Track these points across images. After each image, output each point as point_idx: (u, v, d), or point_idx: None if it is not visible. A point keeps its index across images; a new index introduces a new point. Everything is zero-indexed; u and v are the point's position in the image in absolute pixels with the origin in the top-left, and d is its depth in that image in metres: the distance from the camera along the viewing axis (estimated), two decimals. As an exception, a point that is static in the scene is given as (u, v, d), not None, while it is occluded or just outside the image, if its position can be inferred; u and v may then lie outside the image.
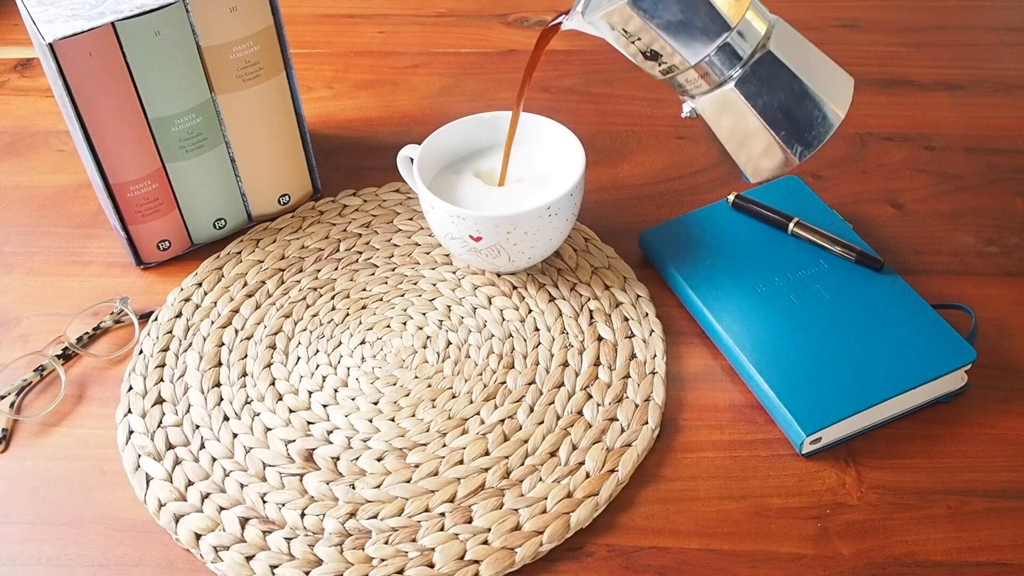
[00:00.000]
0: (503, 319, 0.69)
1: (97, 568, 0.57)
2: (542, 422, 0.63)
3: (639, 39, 0.57)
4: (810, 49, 0.60)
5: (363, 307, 0.71)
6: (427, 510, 0.59)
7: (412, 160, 0.71)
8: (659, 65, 0.58)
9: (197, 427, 0.64)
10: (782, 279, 0.68)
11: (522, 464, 0.61)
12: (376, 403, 0.65)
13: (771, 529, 0.58)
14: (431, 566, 0.56)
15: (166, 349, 0.69)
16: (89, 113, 0.66)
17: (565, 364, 0.66)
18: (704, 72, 0.58)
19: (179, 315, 0.71)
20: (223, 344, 0.69)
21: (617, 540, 0.58)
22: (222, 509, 0.59)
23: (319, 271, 0.73)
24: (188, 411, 0.65)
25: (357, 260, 0.74)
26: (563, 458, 0.61)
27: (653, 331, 0.68)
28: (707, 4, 0.56)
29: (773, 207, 0.72)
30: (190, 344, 0.69)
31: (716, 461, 0.61)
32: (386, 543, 0.57)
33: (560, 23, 0.63)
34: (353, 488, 0.60)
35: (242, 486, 0.60)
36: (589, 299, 0.70)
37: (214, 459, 0.62)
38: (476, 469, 0.60)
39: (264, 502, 0.60)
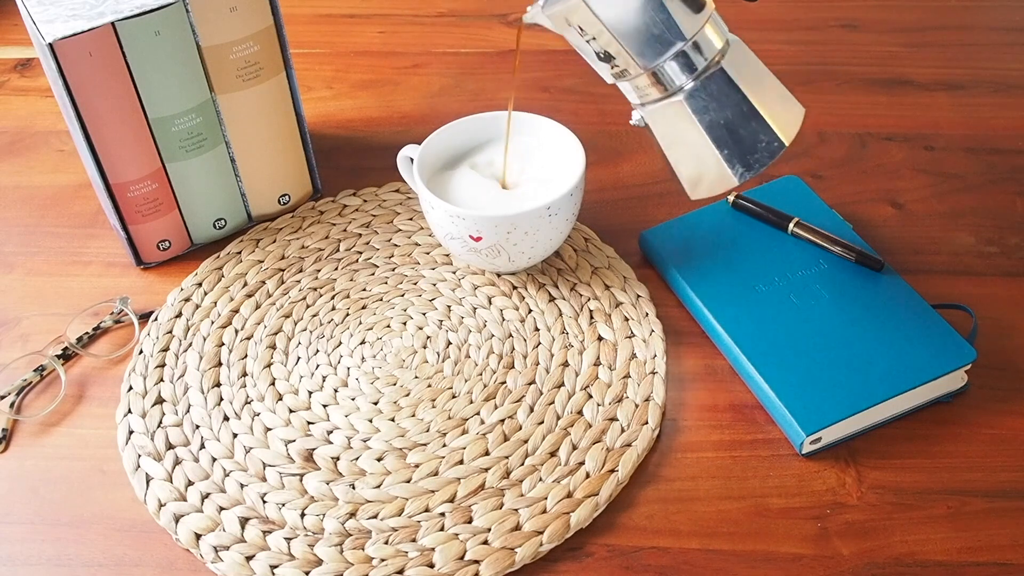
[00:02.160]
0: (503, 319, 0.69)
1: (97, 568, 0.57)
2: (542, 422, 0.63)
3: (594, 39, 0.57)
4: (764, 73, 0.60)
5: (363, 307, 0.71)
6: (427, 510, 0.59)
7: (412, 160, 0.71)
8: (612, 68, 0.58)
9: (197, 427, 0.64)
10: (782, 279, 0.68)
11: (522, 464, 0.61)
12: (376, 403, 0.65)
13: (771, 529, 0.58)
14: (431, 566, 0.56)
15: (166, 349, 0.69)
16: (89, 113, 0.66)
17: (565, 364, 0.66)
18: (655, 80, 0.58)
19: (179, 315, 0.71)
20: (223, 344, 0.69)
21: (617, 540, 0.58)
22: (222, 509, 0.59)
23: (319, 271, 0.74)
24: (188, 411, 0.65)
25: (357, 260, 0.74)
26: (563, 458, 0.61)
27: (653, 331, 0.68)
28: (664, 12, 0.56)
29: (773, 207, 0.72)
30: (190, 344, 0.69)
31: (716, 461, 0.61)
32: (386, 543, 0.57)
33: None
34: (353, 488, 0.60)
35: (242, 486, 0.60)
36: (589, 299, 0.70)
37: (214, 459, 0.62)
38: (476, 469, 0.61)
39: (264, 502, 0.60)
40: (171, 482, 0.61)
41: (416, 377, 0.66)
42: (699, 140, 0.59)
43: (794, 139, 0.60)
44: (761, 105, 0.58)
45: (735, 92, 0.58)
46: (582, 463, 0.61)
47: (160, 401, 0.65)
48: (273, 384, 0.66)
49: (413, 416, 0.64)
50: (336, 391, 0.65)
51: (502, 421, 0.63)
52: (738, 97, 0.58)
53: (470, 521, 0.58)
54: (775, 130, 0.59)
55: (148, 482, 0.61)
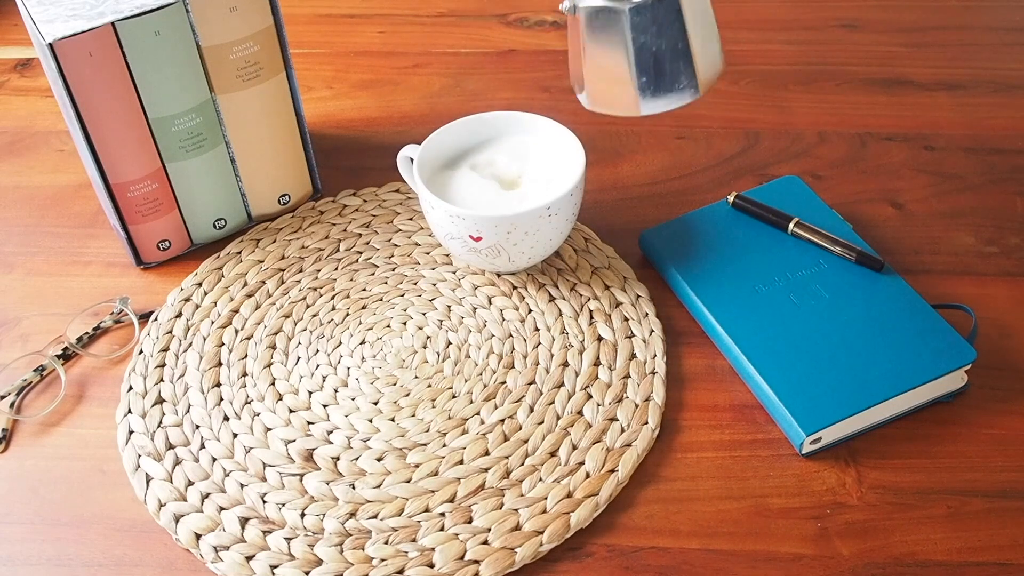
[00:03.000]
0: (503, 319, 0.69)
1: (97, 568, 0.57)
2: (542, 422, 0.63)
3: None
4: (709, 17, 0.58)
5: (363, 307, 0.71)
6: (427, 510, 0.59)
7: (412, 160, 0.71)
8: None
9: (197, 427, 0.64)
10: (782, 279, 0.68)
11: (522, 464, 0.61)
12: (376, 403, 0.65)
13: (771, 529, 0.58)
14: (431, 566, 0.56)
15: (166, 349, 0.69)
16: (89, 113, 0.66)
17: (565, 364, 0.66)
18: None
19: (179, 315, 0.71)
20: (223, 344, 0.69)
21: (617, 540, 0.58)
22: (222, 509, 0.59)
23: (319, 271, 0.74)
24: (188, 411, 0.65)
25: (357, 260, 0.74)
26: (563, 458, 0.61)
27: (653, 331, 0.68)
28: None
29: (773, 207, 0.72)
30: (190, 344, 0.69)
31: (716, 461, 0.61)
32: (386, 543, 0.57)
33: None
34: (353, 488, 0.60)
35: (242, 486, 0.60)
36: (589, 299, 0.70)
37: (214, 459, 0.62)
38: (476, 469, 0.61)
39: (264, 502, 0.60)
40: (171, 482, 0.61)
41: (416, 377, 0.66)
42: (622, 58, 0.56)
43: (710, 90, 0.58)
44: (696, 48, 0.56)
45: (679, 25, 0.56)
46: (582, 463, 0.61)
47: (160, 401, 0.65)
48: (273, 384, 0.66)
49: (413, 416, 0.64)
50: (336, 391, 0.65)
51: (502, 421, 0.63)
52: (679, 31, 0.56)
53: (470, 521, 0.58)
54: (697, 77, 0.57)
55: (148, 482, 0.61)
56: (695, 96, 0.57)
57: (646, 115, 0.58)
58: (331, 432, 0.63)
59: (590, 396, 0.64)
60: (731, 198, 0.74)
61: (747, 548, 0.57)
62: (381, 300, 0.71)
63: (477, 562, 0.56)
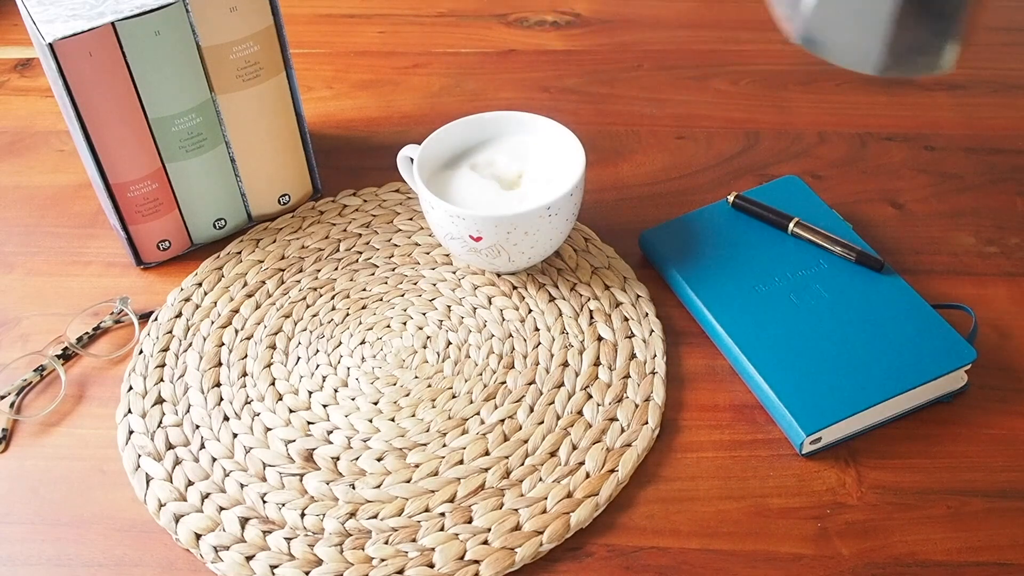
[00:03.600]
0: (503, 319, 0.69)
1: (97, 568, 0.57)
2: (542, 422, 0.63)
3: None
4: None
5: (363, 307, 0.71)
6: (427, 510, 0.59)
7: (412, 160, 0.71)
8: None
9: (197, 427, 0.64)
10: (782, 279, 0.68)
11: (522, 464, 0.61)
12: (376, 403, 0.65)
13: (771, 529, 0.58)
14: (431, 566, 0.56)
15: (166, 349, 0.69)
16: (89, 113, 0.66)
17: (565, 364, 0.66)
18: None
19: (179, 315, 0.71)
20: (223, 344, 0.69)
21: (617, 540, 0.58)
22: (222, 509, 0.59)
23: (319, 271, 0.73)
24: (188, 411, 0.65)
25: (357, 260, 0.74)
26: (563, 458, 0.61)
27: (653, 331, 0.68)
28: None
29: (773, 207, 0.72)
30: (190, 344, 0.69)
31: (716, 461, 0.61)
32: (386, 543, 0.57)
33: None
34: (353, 488, 0.60)
35: (242, 486, 0.60)
36: (589, 299, 0.70)
37: (214, 459, 0.62)
38: (476, 469, 0.60)
39: (264, 502, 0.60)
40: (171, 482, 0.61)
41: (416, 377, 0.66)
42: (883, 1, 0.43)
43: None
44: (967, 12, 0.43)
45: None
46: (582, 463, 0.61)
47: (160, 401, 0.65)
48: (273, 384, 0.66)
49: (413, 416, 0.64)
50: (336, 391, 0.65)
51: (502, 421, 0.63)
52: None
53: (470, 521, 0.58)
54: (958, 40, 0.44)
55: (148, 482, 0.61)
56: (943, 70, 0.45)
57: (879, 75, 0.46)
58: (331, 432, 0.63)
59: (590, 396, 0.64)
60: (731, 198, 0.74)
61: (747, 548, 0.57)
62: (381, 300, 0.71)
63: (477, 562, 0.56)
